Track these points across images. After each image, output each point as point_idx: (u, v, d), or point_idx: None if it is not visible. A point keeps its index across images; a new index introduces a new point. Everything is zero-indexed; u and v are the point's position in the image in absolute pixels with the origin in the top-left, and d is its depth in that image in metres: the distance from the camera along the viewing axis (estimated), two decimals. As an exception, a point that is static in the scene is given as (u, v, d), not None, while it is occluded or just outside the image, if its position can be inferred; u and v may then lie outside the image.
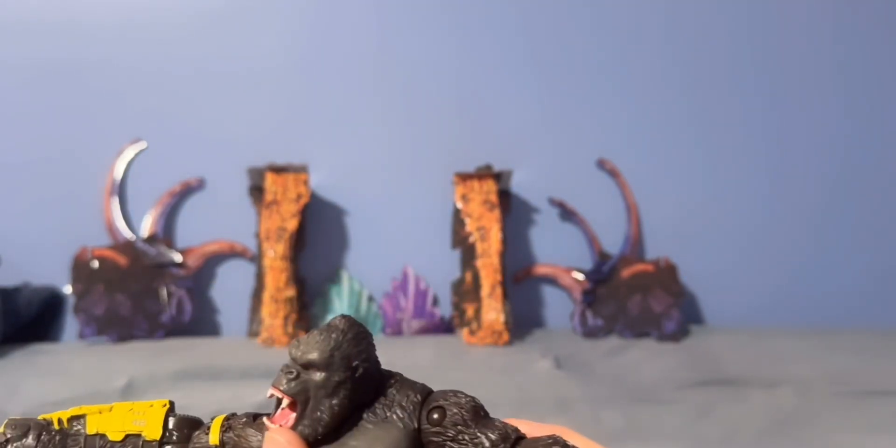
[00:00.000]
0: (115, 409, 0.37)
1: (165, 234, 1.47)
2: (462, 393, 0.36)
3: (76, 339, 1.38)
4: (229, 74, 1.50)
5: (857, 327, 1.45)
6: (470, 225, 1.39)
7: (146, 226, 1.46)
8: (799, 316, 1.52)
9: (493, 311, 1.33)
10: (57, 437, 0.36)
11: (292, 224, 1.37)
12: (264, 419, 0.34)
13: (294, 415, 0.33)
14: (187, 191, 1.49)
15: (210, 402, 1.03)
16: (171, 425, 0.37)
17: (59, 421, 0.37)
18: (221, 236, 1.46)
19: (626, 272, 1.47)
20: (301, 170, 1.40)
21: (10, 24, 1.46)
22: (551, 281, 1.52)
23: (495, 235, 1.37)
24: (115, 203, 1.46)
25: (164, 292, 1.40)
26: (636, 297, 1.44)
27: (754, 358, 1.26)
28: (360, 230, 1.52)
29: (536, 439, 0.34)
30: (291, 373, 0.34)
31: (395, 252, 1.49)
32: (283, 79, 1.51)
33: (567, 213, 1.53)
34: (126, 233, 1.44)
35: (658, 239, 1.55)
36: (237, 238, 1.46)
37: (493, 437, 0.34)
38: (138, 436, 0.36)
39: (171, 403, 0.38)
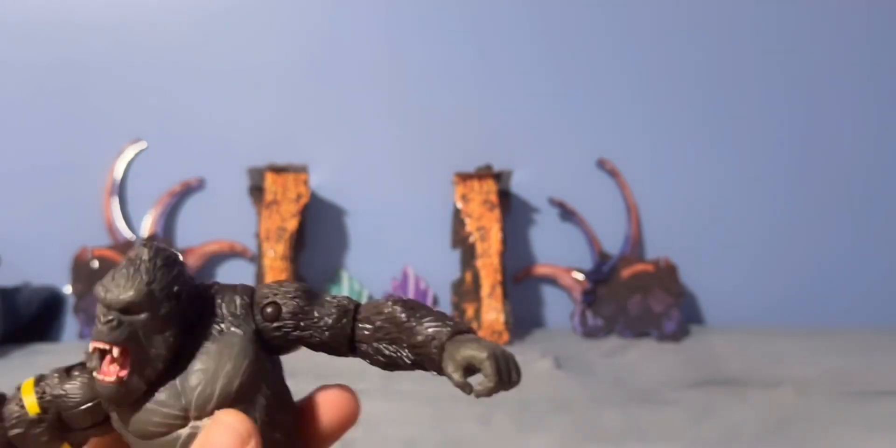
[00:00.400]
0: None
1: (165, 234, 1.47)
2: (286, 282, 0.34)
3: (76, 339, 1.38)
4: (229, 75, 1.50)
5: (857, 327, 1.45)
6: (470, 225, 1.39)
7: (146, 226, 1.46)
8: (799, 316, 1.52)
9: (493, 311, 1.33)
10: None
11: (292, 224, 1.37)
12: (95, 374, 0.29)
13: (127, 363, 0.29)
14: (187, 191, 1.49)
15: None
16: None
17: None
18: (221, 236, 1.46)
19: (626, 272, 1.46)
20: (301, 170, 1.40)
21: (10, 25, 1.46)
22: (551, 281, 1.52)
23: (495, 235, 1.37)
24: (116, 203, 1.46)
25: (164, 292, 1.40)
26: (636, 298, 1.44)
27: (754, 358, 1.26)
28: (360, 230, 1.52)
29: (375, 303, 0.32)
30: (112, 320, 0.29)
31: (395, 252, 1.49)
32: (282, 79, 1.51)
33: (567, 213, 1.53)
34: (126, 233, 1.44)
35: (658, 239, 1.54)
36: (237, 238, 1.46)
37: (333, 313, 0.33)
38: None
39: None
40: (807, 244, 1.58)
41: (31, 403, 0.31)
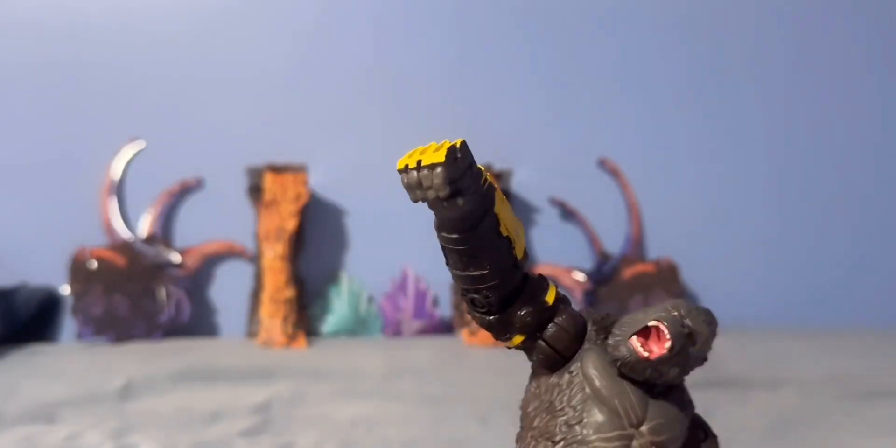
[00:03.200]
0: (505, 200, 0.36)
1: (164, 234, 1.46)
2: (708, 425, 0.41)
3: (74, 339, 1.37)
4: (228, 74, 1.49)
5: (859, 329, 1.45)
6: (470, 225, 1.38)
7: (144, 226, 1.45)
8: (801, 317, 1.52)
9: (493, 312, 1.32)
10: (487, 190, 0.35)
11: (291, 224, 1.36)
12: (633, 338, 0.35)
13: (665, 353, 0.35)
14: (186, 190, 1.48)
15: (209, 403, 1.03)
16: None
17: (485, 181, 0.35)
18: (220, 236, 1.46)
19: (627, 272, 1.46)
20: (300, 169, 1.39)
21: (9, 25, 1.45)
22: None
23: (495, 235, 1.37)
24: (114, 203, 1.45)
25: (162, 293, 1.39)
26: (637, 298, 1.43)
27: (756, 359, 1.25)
28: (360, 230, 1.52)
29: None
30: (685, 329, 0.36)
31: (395, 252, 1.48)
32: (281, 79, 1.51)
33: (568, 213, 1.53)
34: (124, 233, 1.43)
35: (659, 239, 1.54)
36: (236, 238, 1.45)
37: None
38: (511, 243, 0.36)
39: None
40: (809, 245, 1.58)
41: (551, 294, 0.38)
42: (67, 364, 1.19)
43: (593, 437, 0.34)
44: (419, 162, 0.34)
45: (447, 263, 0.36)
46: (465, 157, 0.34)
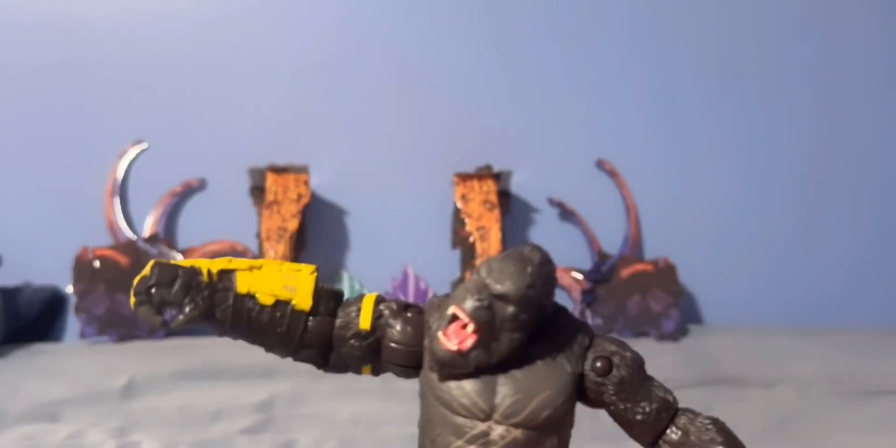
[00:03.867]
0: (264, 267, 0.34)
1: (167, 234, 1.47)
2: (625, 345, 0.37)
3: (77, 338, 1.38)
4: (230, 75, 1.50)
5: (856, 327, 1.45)
6: (470, 225, 1.39)
7: (147, 226, 1.46)
8: (798, 315, 1.52)
9: (492, 311, 1.33)
10: (206, 292, 0.33)
11: (293, 224, 1.37)
12: (439, 334, 0.32)
13: (472, 339, 0.32)
14: (188, 191, 1.49)
15: (211, 402, 1.03)
16: (321, 296, 0.34)
17: (209, 273, 0.34)
18: (222, 236, 1.46)
19: (625, 272, 1.47)
20: (302, 170, 1.40)
21: (12, 25, 1.46)
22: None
23: (495, 235, 1.38)
24: (117, 203, 1.46)
25: (164, 292, 1.40)
26: (635, 297, 1.44)
27: (753, 357, 1.26)
28: (360, 230, 1.52)
29: (695, 416, 0.35)
30: (483, 301, 0.32)
31: (395, 252, 1.49)
32: (283, 79, 1.52)
33: (566, 214, 1.54)
34: (127, 233, 1.44)
35: (657, 239, 1.55)
36: (238, 238, 1.46)
37: (657, 403, 0.35)
38: (287, 303, 0.34)
39: (318, 269, 0.35)
40: (806, 244, 1.59)
41: (366, 317, 0.34)
42: (70, 363, 1.20)
43: (454, 446, 0.32)
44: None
45: None
46: (162, 276, 0.33)
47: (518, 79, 1.55)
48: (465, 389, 0.32)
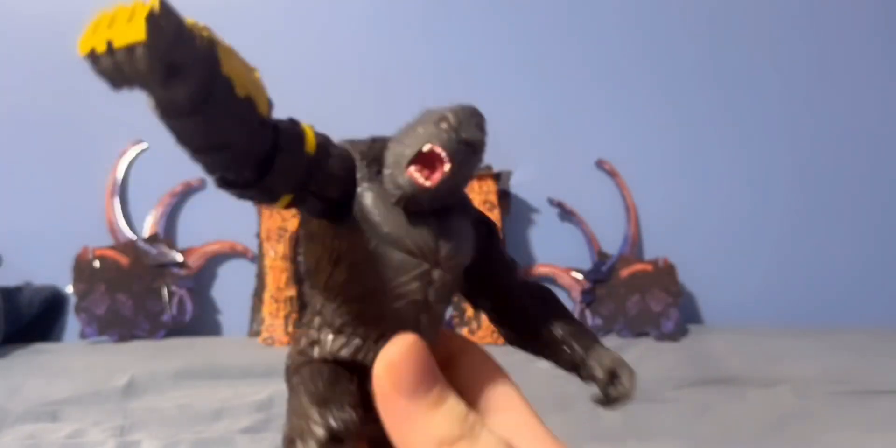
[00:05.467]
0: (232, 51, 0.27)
1: (167, 234, 1.47)
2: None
3: (77, 338, 1.38)
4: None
5: (855, 326, 1.45)
6: (470, 225, 1.39)
7: (147, 226, 1.46)
8: (797, 315, 1.52)
9: (492, 311, 1.33)
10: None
11: (293, 224, 1.37)
12: (412, 168, 0.31)
13: (443, 176, 0.30)
14: (188, 191, 1.49)
15: (211, 402, 1.04)
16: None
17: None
18: (222, 236, 1.47)
19: (624, 272, 1.47)
20: (301, 170, 1.40)
21: (10, 24, 1.46)
22: (550, 281, 1.52)
23: (495, 235, 1.38)
24: (117, 203, 1.46)
25: (165, 292, 1.40)
26: (635, 297, 1.44)
27: (752, 357, 1.26)
28: (361, 230, 1.52)
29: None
30: (460, 144, 0.31)
31: (395, 252, 1.49)
32: (282, 77, 1.51)
33: (566, 214, 1.54)
34: (127, 233, 1.44)
35: (657, 239, 1.55)
36: (238, 238, 1.46)
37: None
38: (253, 103, 0.27)
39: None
40: (806, 244, 1.59)
41: (310, 141, 0.31)
42: (71, 362, 1.20)
43: (393, 283, 0.31)
44: (109, 43, 0.24)
45: (180, 144, 0.27)
46: (171, 21, 0.25)
47: (518, 79, 1.55)
48: (414, 230, 0.31)
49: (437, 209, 0.32)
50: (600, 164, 1.55)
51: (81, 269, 1.38)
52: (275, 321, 1.32)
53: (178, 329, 1.41)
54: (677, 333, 1.40)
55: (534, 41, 1.56)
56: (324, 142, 0.33)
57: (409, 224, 0.31)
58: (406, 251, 0.31)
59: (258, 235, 1.40)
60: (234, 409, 1.01)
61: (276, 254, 1.35)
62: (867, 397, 1.10)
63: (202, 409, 1.01)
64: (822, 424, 1.00)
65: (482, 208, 1.39)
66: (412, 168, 0.31)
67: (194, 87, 0.26)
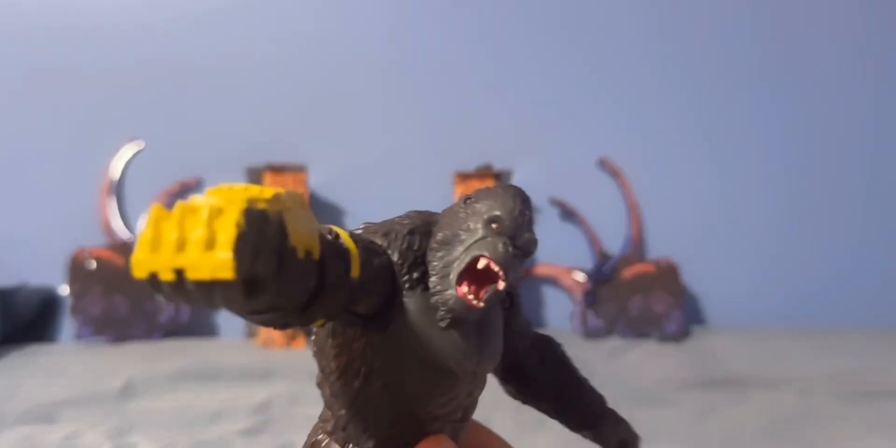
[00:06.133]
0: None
1: (164, 234, 1.46)
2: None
3: (73, 339, 1.37)
4: (227, 74, 1.49)
5: (858, 328, 1.45)
6: (470, 225, 1.38)
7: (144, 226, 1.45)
8: (801, 316, 1.52)
9: (493, 312, 1.32)
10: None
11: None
12: (460, 287, 0.28)
13: (492, 292, 0.28)
14: (185, 191, 1.48)
15: (209, 403, 1.03)
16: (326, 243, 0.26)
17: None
18: (220, 236, 1.45)
19: (626, 273, 1.46)
20: (300, 170, 1.39)
21: (8, 25, 1.45)
22: (552, 281, 1.51)
23: (495, 235, 1.37)
24: (113, 203, 1.45)
25: (162, 293, 1.39)
26: (637, 298, 1.43)
27: (755, 358, 1.26)
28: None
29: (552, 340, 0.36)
30: (512, 250, 0.28)
31: (394, 252, 1.48)
32: (281, 78, 1.51)
33: (568, 214, 1.53)
34: (123, 233, 1.43)
35: (659, 239, 1.54)
36: (236, 238, 1.45)
37: (527, 337, 0.35)
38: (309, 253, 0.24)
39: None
40: (808, 245, 1.58)
41: (356, 264, 0.27)
42: (67, 364, 1.19)
43: (432, 405, 0.29)
44: (180, 273, 0.20)
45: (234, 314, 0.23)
46: (258, 244, 0.20)
47: (519, 78, 1.54)
48: (460, 345, 0.29)
49: None
50: (602, 164, 1.54)
51: (77, 269, 1.37)
52: (273, 322, 1.31)
53: (175, 330, 1.39)
54: (680, 335, 1.39)
55: (536, 40, 1.55)
56: (367, 257, 0.28)
57: (452, 341, 0.29)
58: (449, 371, 0.29)
59: (256, 236, 1.38)
60: (231, 411, 1.00)
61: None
62: (871, 398, 1.09)
63: (199, 411, 1.00)
64: (825, 426, 1.00)
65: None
66: (463, 288, 0.28)
67: (274, 292, 0.22)
